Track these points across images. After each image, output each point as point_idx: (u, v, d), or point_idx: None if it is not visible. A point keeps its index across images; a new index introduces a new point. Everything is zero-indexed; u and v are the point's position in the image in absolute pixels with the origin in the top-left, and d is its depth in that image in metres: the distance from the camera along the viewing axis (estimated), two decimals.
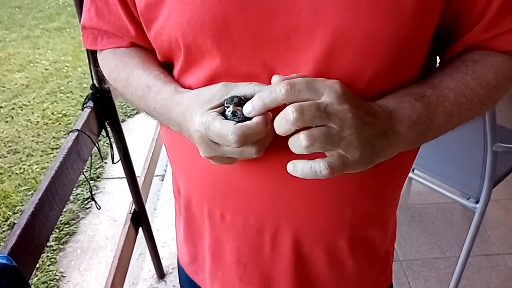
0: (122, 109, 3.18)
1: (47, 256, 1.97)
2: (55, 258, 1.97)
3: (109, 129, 1.30)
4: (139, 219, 1.52)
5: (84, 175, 1.16)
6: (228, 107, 0.46)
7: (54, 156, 2.66)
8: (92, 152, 1.20)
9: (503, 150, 1.28)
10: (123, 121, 3.05)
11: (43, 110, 3.18)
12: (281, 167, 0.49)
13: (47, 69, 3.85)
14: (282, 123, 0.42)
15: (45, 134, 2.89)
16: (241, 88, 0.47)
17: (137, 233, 1.51)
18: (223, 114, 0.46)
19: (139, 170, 1.69)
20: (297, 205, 0.57)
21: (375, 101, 0.49)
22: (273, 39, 0.47)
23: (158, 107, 0.55)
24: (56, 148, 2.74)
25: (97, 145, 1.18)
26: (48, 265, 1.92)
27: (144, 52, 0.62)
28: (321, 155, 0.44)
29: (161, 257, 1.77)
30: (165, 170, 2.45)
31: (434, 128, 0.51)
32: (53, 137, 2.86)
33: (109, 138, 1.29)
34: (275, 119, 0.43)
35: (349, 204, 0.58)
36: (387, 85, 0.51)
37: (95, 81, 1.21)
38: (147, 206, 1.62)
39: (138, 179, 1.51)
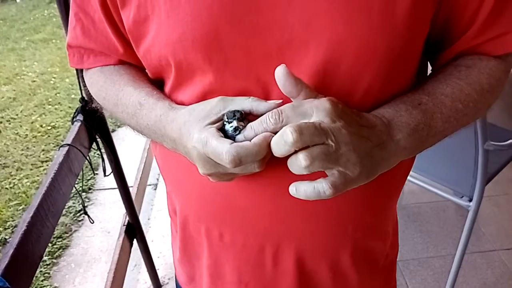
0: (112, 119, 3.16)
1: (40, 271, 1.94)
2: (48, 273, 1.95)
3: (100, 141, 1.28)
4: (133, 230, 1.50)
5: (76, 189, 1.14)
6: (229, 122, 0.45)
7: (44, 169, 2.63)
8: (84, 164, 1.18)
9: (495, 148, 1.29)
10: (113, 131, 3.03)
11: (32, 122, 3.14)
12: (280, 183, 0.49)
13: (34, 81, 3.81)
14: (280, 145, 0.41)
15: (34, 147, 2.86)
16: (239, 103, 0.46)
17: (131, 245, 1.49)
18: (222, 129, 0.45)
19: (131, 180, 1.68)
20: (298, 222, 0.56)
21: (371, 111, 0.49)
22: (266, 54, 0.47)
23: (151, 124, 0.53)
24: (46, 161, 2.71)
25: (88, 159, 1.17)
26: (42, 280, 1.90)
27: (133, 69, 0.60)
28: (321, 173, 0.43)
29: (156, 268, 1.75)
30: (157, 179, 2.44)
31: (433, 134, 0.51)
32: (43, 150, 2.82)
33: (100, 151, 1.28)
34: (272, 141, 0.42)
35: (351, 218, 0.57)
36: (382, 95, 0.51)
37: (84, 94, 1.20)
38: (140, 217, 1.60)
39: (130, 189, 1.49)
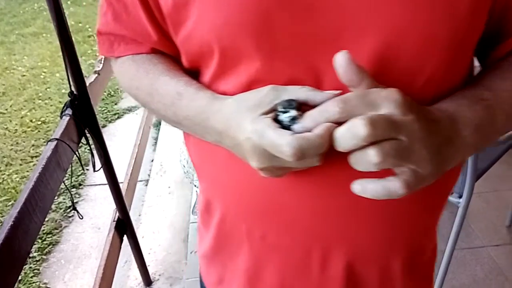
0: (102, 114, 3.14)
1: (30, 267, 1.93)
2: (38, 269, 1.93)
3: (89, 136, 1.27)
4: (124, 226, 1.49)
5: (65, 184, 1.13)
6: (285, 111, 0.41)
7: (34, 165, 2.60)
8: (74, 159, 1.17)
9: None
10: (104, 126, 3.01)
11: (21, 117, 3.11)
12: (334, 181, 0.46)
13: (24, 75, 3.77)
14: (347, 138, 0.37)
15: (24, 142, 2.83)
16: (292, 92, 0.42)
17: (121, 241, 1.49)
18: (275, 120, 0.42)
19: (122, 175, 1.66)
20: (352, 223, 0.52)
21: (431, 105, 0.46)
22: (319, 39, 0.43)
23: (192, 115, 0.50)
24: (35, 156, 2.68)
25: (77, 154, 1.15)
26: (31, 277, 1.88)
27: (166, 59, 0.57)
28: (382, 171, 0.40)
29: (147, 264, 1.75)
30: (149, 175, 2.42)
31: (495, 130, 0.48)
32: (32, 145, 2.79)
33: (90, 146, 1.26)
34: (336, 134, 0.38)
35: (407, 220, 0.54)
36: (441, 89, 0.47)
37: (73, 88, 1.18)
38: (131, 213, 1.59)
39: (121, 185, 1.48)
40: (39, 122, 3.05)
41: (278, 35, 0.43)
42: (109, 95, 3.41)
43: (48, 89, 3.52)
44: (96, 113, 1.28)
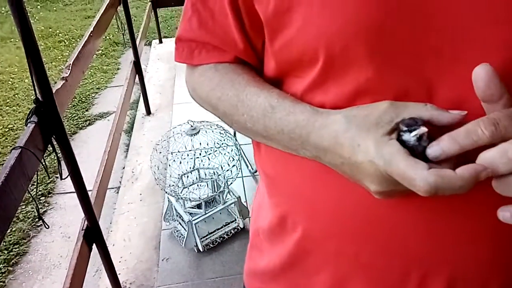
0: (73, 120, 3.08)
1: None
2: (3, 282, 1.88)
3: (56, 143, 1.25)
4: (93, 235, 1.47)
5: (30, 194, 1.11)
6: (410, 130, 0.38)
7: None
8: (41, 167, 1.15)
9: None
10: (75, 133, 2.95)
11: None
12: (445, 203, 0.42)
13: None
14: (503, 164, 0.34)
15: None
16: (414, 110, 0.39)
17: (90, 249, 1.46)
18: (399, 140, 0.39)
19: (93, 183, 1.64)
20: (456, 245, 0.47)
21: None
22: (436, 50, 0.40)
23: (288, 130, 0.47)
24: (2, 165, 2.61)
25: (42, 162, 1.13)
26: None
27: (250, 69, 0.55)
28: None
29: (118, 272, 1.72)
30: (120, 182, 2.39)
31: None
32: (0, 153, 2.72)
33: (56, 154, 1.24)
34: (489, 157, 0.35)
35: (510, 241, 0.50)
36: None
37: (38, 95, 1.16)
38: (102, 221, 1.57)
39: (90, 193, 1.46)
40: (7, 129, 2.97)
41: (392, 42, 0.40)
42: (80, 101, 3.35)
43: (16, 96, 3.44)
44: (64, 120, 1.26)
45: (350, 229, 0.51)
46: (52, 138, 1.22)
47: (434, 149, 0.37)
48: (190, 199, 1.85)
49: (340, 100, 0.45)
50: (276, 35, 0.47)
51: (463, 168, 0.35)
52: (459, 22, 0.39)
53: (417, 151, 0.38)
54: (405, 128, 0.38)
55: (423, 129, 0.37)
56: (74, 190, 1.38)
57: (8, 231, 2.06)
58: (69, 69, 1.40)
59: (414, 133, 0.38)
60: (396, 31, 0.40)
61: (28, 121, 1.16)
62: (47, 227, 1.22)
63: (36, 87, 1.14)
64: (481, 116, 0.36)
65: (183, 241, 1.84)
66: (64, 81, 1.34)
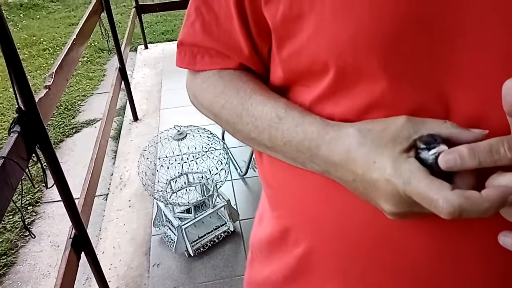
0: (60, 128, 3.05)
1: None
2: None
3: (40, 152, 1.24)
4: (81, 243, 1.46)
5: (15, 204, 1.10)
6: (429, 148, 0.36)
7: None
8: (23, 177, 1.14)
9: None
10: (62, 141, 2.93)
11: None
12: (459, 223, 0.40)
13: None
14: None
15: None
16: (433, 127, 0.37)
17: (79, 258, 1.45)
18: (416, 158, 0.37)
19: (80, 191, 1.63)
20: (471, 268, 0.45)
21: None
22: (455, 63, 0.38)
23: (295, 142, 0.45)
24: None
25: (26, 172, 1.12)
26: None
27: (254, 76, 0.53)
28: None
29: (108, 280, 1.71)
30: (108, 189, 2.38)
31: None
32: None
33: (41, 163, 1.23)
34: (508, 182, 0.33)
35: None
36: None
37: (21, 104, 1.16)
38: (91, 228, 1.56)
39: (77, 201, 1.45)
40: None
41: (409, 54, 0.38)
42: (66, 109, 3.32)
43: (0, 105, 3.40)
44: (50, 128, 1.25)
45: (357, 248, 0.48)
46: (36, 147, 1.21)
47: (448, 158, 0.35)
48: (179, 204, 1.85)
49: (350, 113, 0.43)
50: (285, 43, 0.45)
51: (490, 190, 0.33)
52: (481, 35, 0.37)
53: (435, 171, 0.36)
54: (423, 146, 0.36)
55: (443, 148, 0.35)
56: (61, 199, 1.37)
57: None
58: (52, 77, 1.40)
59: (433, 151, 0.36)
60: (413, 41, 0.38)
61: (11, 130, 1.15)
62: (33, 236, 1.21)
63: (18, 97, 1.14)
64: (500, 134, 0.35)
65: (173, 246, 1.83)
66: (47, 90, 1.33)
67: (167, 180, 1.90)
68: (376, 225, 0.46)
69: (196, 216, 1.83)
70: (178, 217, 1.83)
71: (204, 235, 1.91)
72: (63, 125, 3.10)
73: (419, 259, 0.45)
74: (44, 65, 4.13)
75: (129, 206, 2.22)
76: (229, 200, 1.91)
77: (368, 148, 0.39)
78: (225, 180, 1.86)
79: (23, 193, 1.55)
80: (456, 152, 0.34)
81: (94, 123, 3.12)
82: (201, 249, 1.89)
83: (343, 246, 0.50)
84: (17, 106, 1.15)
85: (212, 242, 1.92)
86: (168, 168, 1.82)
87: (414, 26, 0.37)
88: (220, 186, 1.86)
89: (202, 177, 1.93)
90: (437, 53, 0.38)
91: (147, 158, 1.81)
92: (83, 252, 1.49)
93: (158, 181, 1.87)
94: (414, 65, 0.39)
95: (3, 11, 1.04)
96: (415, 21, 0.37)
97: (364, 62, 0.40)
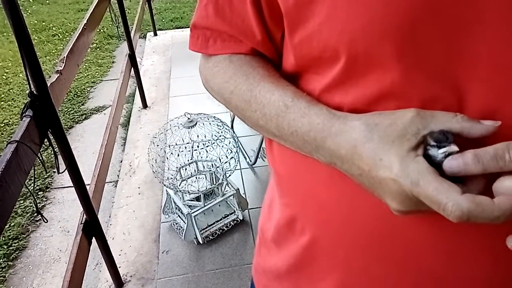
0: (69, 114, 3.06)
1: None
2: (4, 277, 1.88)
3: (52, 137, 1.24)
4: (92, 229, 1.47)
5: (27, 188, 1.10)
6: (439, 146, 0.35)
7: None
8: (38, 161, 1.14)
9: None
10: (72, 127, 2.94)
11: None
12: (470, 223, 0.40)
13: None
14: None
15: None
16: (443, 121, 0.36)
17: (90, 243, 1.46)
18: (424, 154, 0.36)
19: (90, 177, 1.63)
20: (480, 265, 0.45)
21: None
22: (471, 54, 0.36)
23: (301, 132, 0.44)
24: None
25: (39, 156, 1.12)
26: None
27: (265, 62, 0.52)
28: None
29: (118, 265, 1.72)
30: (118, 176, 2.38)
31: None
32: None
33: (53, 148, 1.23)
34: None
35: None
36: None
37: (33, 88, 1.15)
38: (101, 214, 1.56)
39: (88, 187, 1.45)
40: (2, 124, 2.96)
41: (423, 44, 0.37)
42: (76, 95, 3.33)
43: (11, 90, 3.41)
44: (60, 114, 1.25)
45: (360, 241, 0.48)
46: (48, 132, 1.21)
47: (453, 164, 0.34)
48: (189, 192, 1.85)
49: (360, 103, 0.42)
50: (296, 28, 0.44)
51: (503, 198, 0.33)
52: (502, 28, 0.35)
53: (443, 170, 0.35)
54: (433, 143, 0.35)
55: (454, 148, 0.34)
56: (72, 185, 1.38)
57: (7, 226, 2.06)
58: (63, 63, 1.39)
59: (443, 150, 0.34)
60: (428, 30, 0.36)
61: (24, 115, 1.14)
62: (45, 221, 1.22)
63: (30, 81, 1.13)
64: None
65: (182, 233, 1.84)
66: (58, 75, 1.33)
67: (177, 167, 1.90)
68: (382, 218, 0.45)
69: (205, 204, 1.83)
70: (187, 205, 1.84)
71: (213, 223, 1.91)
72: (72, 111, 3.11)
73: (424, 254, 0.45)
74: (53, 51, 4.13)
75: (139, 193, 2.23)
76: (238, 189, 1.91)
77: (375, 144, 0.38)
78: (235, 169, 1.85)
79: (33, 178, 1.56)
80: (460, 158, 0.34)
81: (104, 110, 3.13)
82: (210, 237, 1.89)
83: (348, 237, 0.49)
84: (29, 91, 1.15)
85: (221, 230, 1.92)
86: (178, 155, 1.81)
87: (429, 15, 0.36)
88: (229, 175, 1.86)
89: (212, 165, 1.92)
90: (453, 43, 0.37)
91: (157, 145, 1.81)
92: (93, 238, 1.49)
93: (168, 168, 1.87)
94: (428, 55, 0.37)
95: None
96: (431, 10, 0.36)
97: (377, 51, 0.38)
